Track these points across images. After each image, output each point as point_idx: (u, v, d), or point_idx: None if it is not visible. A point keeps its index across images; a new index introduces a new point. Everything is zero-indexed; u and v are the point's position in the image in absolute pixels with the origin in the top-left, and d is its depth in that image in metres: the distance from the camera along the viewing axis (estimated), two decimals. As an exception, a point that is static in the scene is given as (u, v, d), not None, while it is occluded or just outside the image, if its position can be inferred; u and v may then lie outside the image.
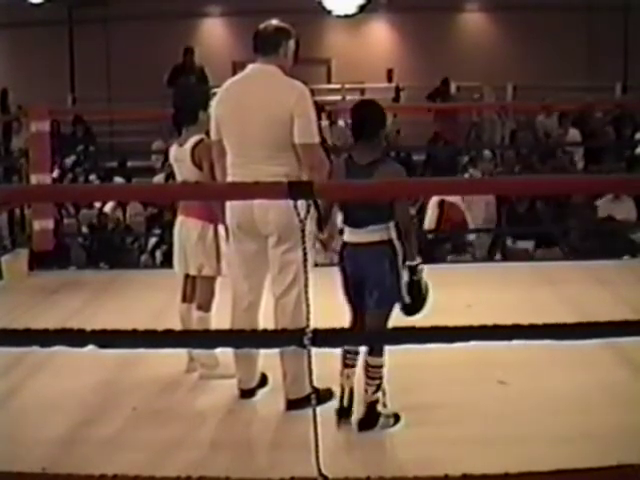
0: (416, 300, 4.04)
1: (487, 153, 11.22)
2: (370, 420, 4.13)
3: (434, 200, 8.92)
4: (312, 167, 4.26)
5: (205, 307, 4.91)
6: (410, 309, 4.05)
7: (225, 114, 4.42)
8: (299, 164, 4.30)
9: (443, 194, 7.57)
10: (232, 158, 4.43)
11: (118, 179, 11.97)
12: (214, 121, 4.49)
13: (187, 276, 5.05)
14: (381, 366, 4.07)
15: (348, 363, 4.15)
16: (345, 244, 4.16)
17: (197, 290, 4.97)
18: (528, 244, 9.40)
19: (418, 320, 3.35)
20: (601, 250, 8.61)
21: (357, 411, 4.15)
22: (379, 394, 4.13)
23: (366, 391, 4.12)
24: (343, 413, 4.16)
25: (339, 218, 4.27)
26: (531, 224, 9.51)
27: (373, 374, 4.08)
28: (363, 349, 4.12)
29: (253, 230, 4.39)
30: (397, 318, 4.07)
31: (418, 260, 4.04)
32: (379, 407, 4.14)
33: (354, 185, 3.74)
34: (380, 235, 4.05)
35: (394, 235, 4.06)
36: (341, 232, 4.24)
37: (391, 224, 4.06)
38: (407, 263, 4.03)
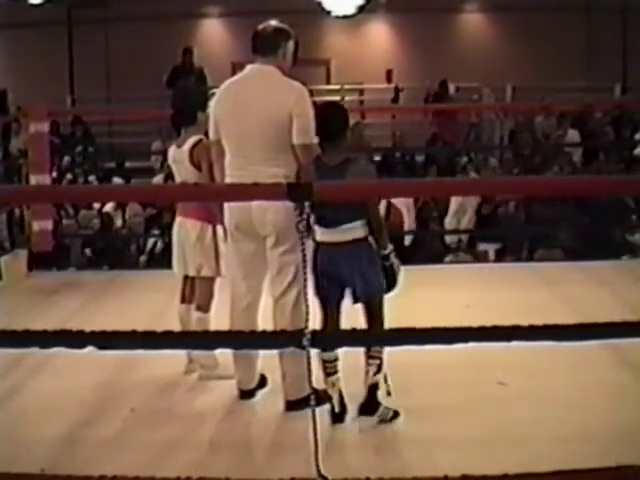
0: (389, 281, 4.19)
1: (493, 161, 11.19)
2: (370, 405, 4.16)
3: (383, 203, 9.02)
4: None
5: (204, 308, 4.91)
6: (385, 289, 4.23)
7: (224, 114, 4.41)
8: (298, 165, 4.29)
9: (443, 195, 7.57)
10: (231, 159, 4.41)
11: (117, 180, 11.95)
12: (213, 121, 4.47)
13: (186, 277, 5.04)
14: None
15: (330, 372, 4.17)
16: (319, 244, 4.17)
17: (196, 291, 4.97)
18: (489, 246, 9.40)
19: (417, 321, 3.35)
20: (582, 252, 8.58)
21: (357, 398, 4.17)
22: (380, 376, 4.15)
23: (367, 372, 4.14)
24: (337, 419, 4.17)
25: None
26: (493, 226, 9.59)
27: (374, 353, 4.11)
28: (341, 355, 4.15)
29: (251, 231, 4.38)
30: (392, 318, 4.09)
31: (390, 249, 4.17)
32: (381, 395, 4.15)
33: (354, 186, 3.75)
34: (356, 233, 4.10)
35: (367, 231, 4.13)
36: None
37: (363, 221, 4.11)
38: (380, 252, 4.14)
